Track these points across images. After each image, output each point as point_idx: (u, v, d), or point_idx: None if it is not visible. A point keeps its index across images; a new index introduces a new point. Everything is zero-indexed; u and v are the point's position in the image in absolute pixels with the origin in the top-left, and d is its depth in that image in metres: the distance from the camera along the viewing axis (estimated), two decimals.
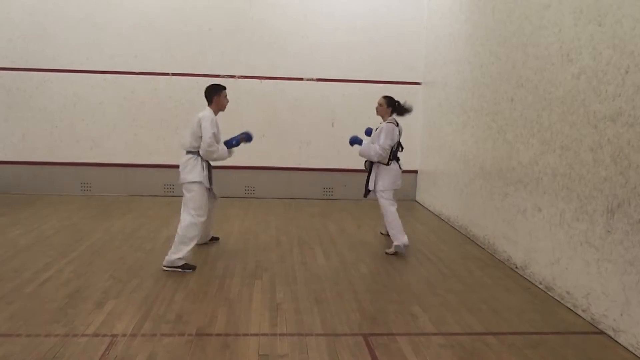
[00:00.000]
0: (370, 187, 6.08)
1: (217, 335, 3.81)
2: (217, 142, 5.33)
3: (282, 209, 8.31)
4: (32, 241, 6.02)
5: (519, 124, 5.47)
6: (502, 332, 4.01)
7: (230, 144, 5.48)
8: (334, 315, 4.21)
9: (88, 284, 4.73)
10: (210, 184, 5.41)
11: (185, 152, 5.33)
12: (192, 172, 5.24)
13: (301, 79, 9.03)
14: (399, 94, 9.18)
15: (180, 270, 5.12)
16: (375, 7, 9.02)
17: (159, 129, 8.91)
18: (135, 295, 4.51)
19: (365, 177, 6.19)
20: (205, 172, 5.29)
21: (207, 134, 5.14)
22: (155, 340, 3.68)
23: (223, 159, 5.45)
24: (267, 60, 8.95)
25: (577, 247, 4.39)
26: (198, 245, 5.67)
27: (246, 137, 5.63)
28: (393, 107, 6.05)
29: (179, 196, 8.67)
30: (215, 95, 5.37)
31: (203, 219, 5.27)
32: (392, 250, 5.95)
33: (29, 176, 8.80)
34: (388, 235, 6.41)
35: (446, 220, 7.72)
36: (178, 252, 5.11)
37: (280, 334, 3.85)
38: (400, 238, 5.91)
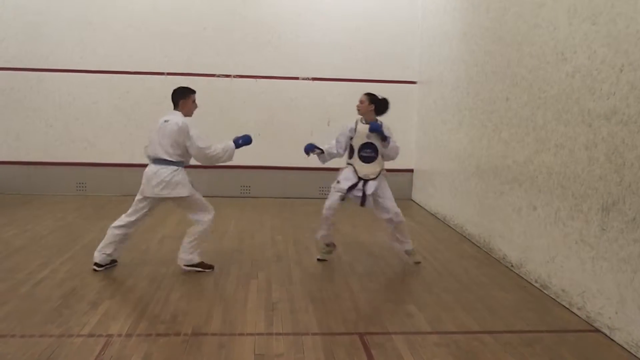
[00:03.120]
0: (368, 192, 5.39)
1: (213, 335, 3.80)
2: None
3: (277, 209, 8.30)
4: (27, 241, 6.00)
5: (514, 123, 5.48)
6: (497, 330, 4.02)
7: (237, 143, 5.14)
8: (329, 315, 4.21)
9: (83, 284, 4.71)
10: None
11: (159, 162, 4.99)
12: (183, 186, 4.94)
13: (297, 78, 9.03)
14: (394, 92, 9.14)
15: (200, 269, 5.12)
16: (370, 5, 9.03)
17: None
18: (130, 295, 4.50)
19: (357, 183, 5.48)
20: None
21: (201, 143, 4.90)
22: (151, 340, 3.67)
23: (229, 159, 5.16)
24: (262, 60, 8.94)
25: (572, 245, 4.40)
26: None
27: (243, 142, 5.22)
28: (377, 106, 5.40)
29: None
30: (182, 98, 5.05)
31: (213, 212, 5.15)
32: (412, 257, 5.59)
33: (23, 176, 8.76)
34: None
35: (442, 219, 7.72)
36: (196, 251, 5.13)
37: (276, 334, 3.84)
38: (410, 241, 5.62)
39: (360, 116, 5.49)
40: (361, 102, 5.44)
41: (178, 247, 5.90)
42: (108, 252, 5.06)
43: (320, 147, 5.59)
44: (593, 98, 4.16)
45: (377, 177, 5.41)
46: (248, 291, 4.67)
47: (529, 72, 5.20)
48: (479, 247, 6.29)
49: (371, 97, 5.41)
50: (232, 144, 5.11)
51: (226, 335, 3.81)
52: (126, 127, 8.85)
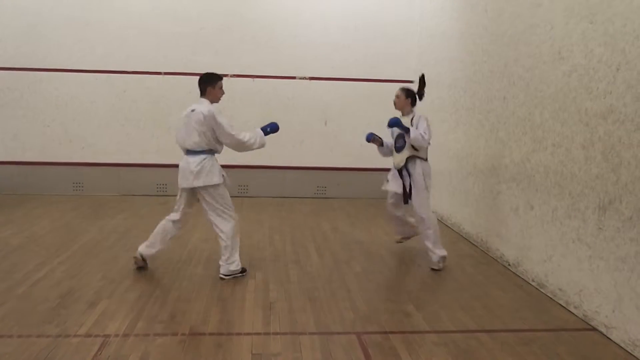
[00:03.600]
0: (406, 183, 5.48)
1: (210, 334, 3.80)
2: None
3: (275, 208, 8.30)
4: (24, 241, 5.99)
5: (511, 122, 5.48)
6: (495, 329, 4.03)
7: (265, 131, 5.17)
8: (327, 314, 4.21)
9: (80, 284, 4.70)
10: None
11: (190, 152, 4.93)
12: (212, 174, 4.92)
13: (294, 77, 9.02)
14: (392, 92, 9.18)
15: (239, 275, 5.03)
16: (368, 5, 9.02)
17: (151, 128, 8.88)
18: (128, 295, 4.49)
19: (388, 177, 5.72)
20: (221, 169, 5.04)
21: (231, 129, 4.88)
22: (148, 340, 3.67)
23: (262, 146, 5.18)
24: (259, 59, 8.93)
25: (569, 244, 4.41)
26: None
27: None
28: (413, 98, 5.57)
29: (172, 195, 8.62)
30: (209, 85, 4.94)
31: (236, 215, 5.13)
32: (439, 264, 5.42)
33: (20, 176, 8.74)
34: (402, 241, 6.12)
35: (439, 218, 7.70)
36: (233, 259, 5.00)
37: (273, 333, 3.84)
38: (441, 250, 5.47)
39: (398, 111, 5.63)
40: (397, 97, 5.60)
41: (176, 247, 5.93)
42: (153, 249, 5.12)
43: (381, 138, 5.73)
44: (590, 97, 4.16)
45: (405, 164, 5.46)
46: (245, 291, 4.67)
47: (526, 72, 5.20)
48: (476, 246, 6.30)
49: (407, 92, 5.58)
50: (260, 131, 5.12)
51: (224, 334, 3.81)
52: (124, 127, 8.84)
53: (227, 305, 4.34)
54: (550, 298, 4.66)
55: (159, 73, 8.80)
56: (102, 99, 8.78)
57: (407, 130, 5.30)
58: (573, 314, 4.33)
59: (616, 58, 3.86)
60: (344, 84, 9.05)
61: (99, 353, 3.45)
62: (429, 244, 5.42)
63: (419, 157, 5.45)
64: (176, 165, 8.90)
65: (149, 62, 8.75)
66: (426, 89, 5.66)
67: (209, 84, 4.95)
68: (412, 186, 5.44)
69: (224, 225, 5.00)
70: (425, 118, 5.46)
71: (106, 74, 8.72)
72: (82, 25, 8.62)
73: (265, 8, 8.91)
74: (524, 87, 5.22)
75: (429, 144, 5.41)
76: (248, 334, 3.83)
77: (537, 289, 4.89)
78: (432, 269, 5.40)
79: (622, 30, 3.80)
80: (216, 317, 4.10)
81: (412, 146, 5.38)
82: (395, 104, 5.62)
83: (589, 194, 4.15)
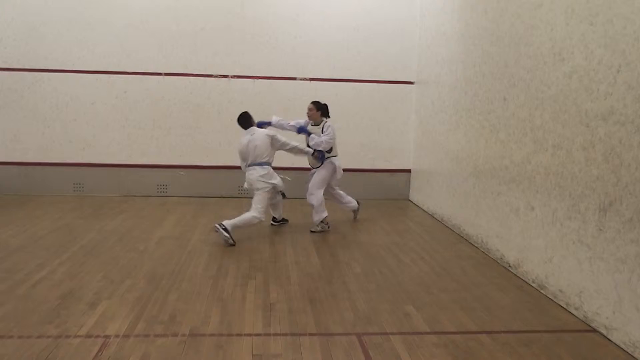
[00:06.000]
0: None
1: (211, 335, 3.80)
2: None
3: None
4: (24, 242, 5.99)
5: (512, 123, 5.48)
6: (495, 330, 4.03)
7: (261, 125, 7.02)
8: (327, 315, 4.21)
9: (81, 284, 4.70)
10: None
11: (255, 165, 6.64)
12: (275, 178, 6.64)
13: (294, 78, 9.02)
14: (392, 93, 9.26)
15: (226, 234, 6.11)
16: (368, 6, 9.02)
17: (151, 129, 8.88)
18: (128, 295, 4.49)
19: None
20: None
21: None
22: (149, 341, 3.67)
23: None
24: (260, 60, 8.93)
25: (569, 245, 4.41)
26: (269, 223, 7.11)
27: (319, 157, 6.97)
28: (323, 111, 7.05)
29: (172, 196, 8.69)
30: None
31: (263, 217, 6.48)
32: (317, 227, 6.94)
33: (20, 177, 8.75)
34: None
35: (439, 220, 7.73)
36: (236, 225, 6.23)
37: (273, 334, 3.85)
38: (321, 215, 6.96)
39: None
40: (310, 109, 7.06)
41: (176, 247, 5.95)
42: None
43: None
44: (590, 98, 4.17)
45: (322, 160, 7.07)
46: (246, 291, 4.67)
47: (526, 73, 5.20)
48: (476, 247, 6.30)
49: (318, 105, 7.05)
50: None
51: (224, 335, 3.81)
52: (124, 128, 8.85)
53: (227, 306, 4.34)
54: (551, 299, 4.66)
55: (160, 74, 8.80)
56: (103, 99, 8.78)
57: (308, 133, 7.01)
58: (573, 315, 4.33)
59: (616, 59, 3.86)
60: (344, 84, 9.06)
61: (100, 354, 3.45)
62: (314, 213, 6.95)
63: (331, 156, 7.05)
64: (176, 166, 8.99)
65: (149, 63, 8.76)
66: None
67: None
68: (316, 173, 7.03)
69: (252, 210, 6.49)
70: (330, 125, 6.96)
71: (107, 75, 8.73)
72: (82, 25, 8.63)
73: (266, 8, 8.92)
74: (525, 88, 5.23)
75: (330, 146, 6.93)
76: (248, 334, 3.83)
77: (537, 290, 4.89)
78: (311, 231, 6.88)
79: (623, 32, 3.81)
80: (216, 317, 4.10)
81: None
82: (308, 115, 7.06)
83: (589, 195, 4.15)
